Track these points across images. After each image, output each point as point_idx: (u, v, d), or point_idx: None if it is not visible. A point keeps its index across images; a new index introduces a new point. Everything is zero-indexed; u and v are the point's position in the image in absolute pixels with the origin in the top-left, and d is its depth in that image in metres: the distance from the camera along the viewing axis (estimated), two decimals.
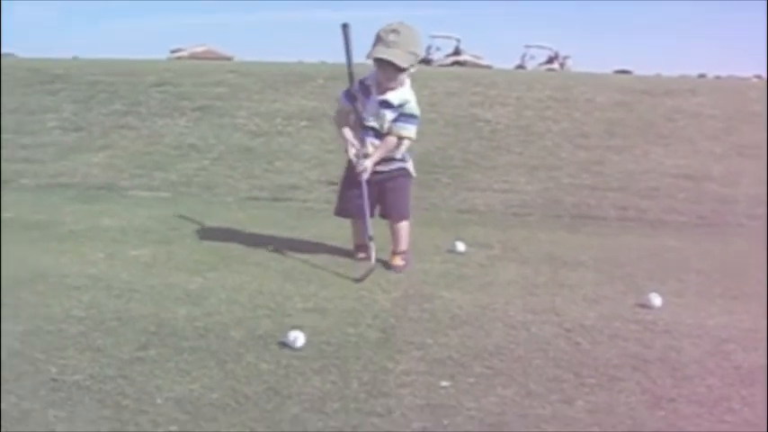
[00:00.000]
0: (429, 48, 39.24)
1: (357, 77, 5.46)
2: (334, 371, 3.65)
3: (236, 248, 6.01)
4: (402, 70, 5.29)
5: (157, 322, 4.23)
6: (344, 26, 5.46)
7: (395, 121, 5.41)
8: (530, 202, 8.31)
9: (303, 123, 10.81)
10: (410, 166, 5.68)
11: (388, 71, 5.28)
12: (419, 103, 5.45)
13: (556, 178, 9.09)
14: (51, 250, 5.85)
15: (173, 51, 41.52)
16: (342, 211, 5.77)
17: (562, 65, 40.59)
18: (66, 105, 12.16)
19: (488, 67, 32.83)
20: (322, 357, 3.80)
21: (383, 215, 5.66)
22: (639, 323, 4.47)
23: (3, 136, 10.88)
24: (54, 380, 3.48)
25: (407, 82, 5.46)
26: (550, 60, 41.11)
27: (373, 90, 5.43)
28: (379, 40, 5.25)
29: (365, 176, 5.41)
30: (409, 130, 5.46)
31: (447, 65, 34.61)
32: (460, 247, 6.08)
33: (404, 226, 5.68)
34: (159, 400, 3.28)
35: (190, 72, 14.24)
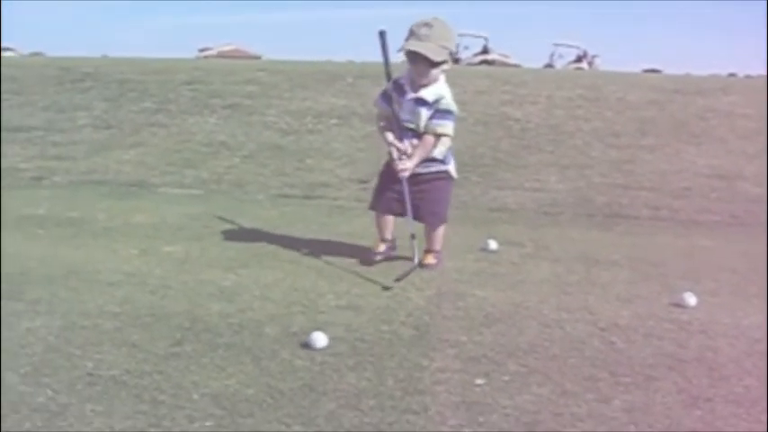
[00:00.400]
0: (457, 46, 39.24)
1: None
2: (369, 368, 3.64)
3: (268, 246, 6.01)
4: (435, 65, 5.18)
5: (192, 318, 4.24)
6: (381, 33, 5.38)
7: (431, 118, 5.27)
8: (561, 201, 8.28)
9: (333, 121, 10.83)
10: (452, 167, 5.57)
11: (420, 66, 5.19)
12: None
13: (587, 177, 9.05)
14: (85, 246, 5.89)
15: (201, 50, 41.78)
16: (376, 207, 5.66)
17: (590, 63, 40.46)
18: (97, 103, 12.24)
19: (516, 65, 32.76)
20: (356, 354, 3.80)
21: (417, 218, 5.45)
22: (674, 322, 4.43)
23: (33, 133, 10.98)
24: (90, 374, 3.49)
25: (442, 78, 5.34)
26: (579, 59, 41.00)
27: (407, 89, 5.33)
28: (411, 34, 5.19)
29: (406, 175, 5.30)
30: (445, 127, 5.31)
31: (475, 63, 34.57)
32: (493, 245, 6.06)
33: (437, 231, 5.61)
34: (195, 396, 3.29)
35: (219, 70, 14.30)
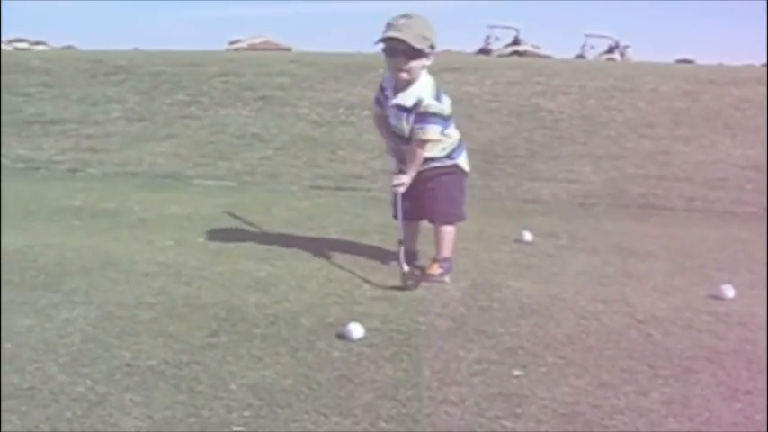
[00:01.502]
0: (488, 38, 39.11)
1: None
2: (406, 359, 3.64)
3: (302, 237, 6.03)
4: (415, 55, 4.75)
5: (228, 309, 4.25)
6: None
7: (414, 123, 4.90)
8: (595, 192, 8.24)
9: (365, 113, 10.80)
10: (461, 160, 5.18)
11: (400, 58, 4.76)
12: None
13: (621, 168, 9.00)
14: (121, 238, 5.92)
15: (231, 43, 41.82)
16: (395, 215, 5.15)
17: (622, 54, 40.13)
18: (130, 96, 12.29)
19: (548, 56, 32.58)
20: (393, 345, 3.79)
21: (422, 218, 5.23)
22: (712, 315, 4.39)
23: (67, 126, 11.06)
24: (128, 365, 3.51)
25: (423, 75, 4.91)
26: (611, 50, 40.67)
27: (389, 93, 5.00)
28: (388, 27, 4.78)
29: (401, 190, 4.95)
30: (427, 132, 4.89)
31: (506, 55, 34.41)
32: (527, 236, 6.04)
33: (447, 231, 5.13)
34: (233, 386, 3.30)
35: (251, 62, 14.32)
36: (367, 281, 4.88)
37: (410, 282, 4.76)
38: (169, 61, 14.20)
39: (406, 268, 4.84)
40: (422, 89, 4.88)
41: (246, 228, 6.36)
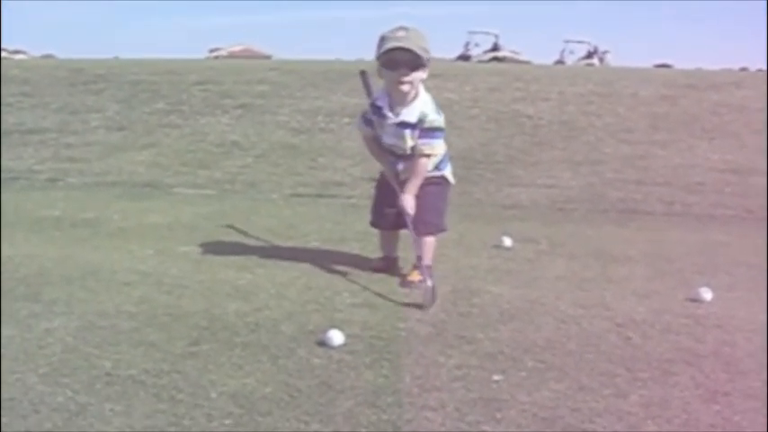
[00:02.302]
0: (468, 44, 39.30)
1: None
2: (386, 365, 3.64)
3: (282, 245, 6.04)
4: (416, 66, 4.79)
5: (209, 318, 4.25)
6: (363, 73, 5.29)
7: (419, 138, 4.92)
8: (574, 198, 8.28)
9: (345, 120, 10.83)
10: (447, 172, 5.24)
11: (402, 71, 4.76)
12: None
13: (600, 173, 9.06)
14: (101, 247, 5.90)
15: (211, 51, 41.86)
16: (378, 224, 5.37)
17: (601, 59, 40.45)
18: (110, 105, 12.31)
19: (527, 62, 32.75)
20: (373, 352, 3.80)
21: (405, 226, 5.04)
22: (691, 317, 4.42)
23: (47, 135, 11.04)
24: (109, 374, 3.50)
25: (422, 91, 4.99)
26: (589, 55, 41.00)
27: (387, 112, 4.96)
28: (385, 40, 4.79)
29: (409, 211, 4.90)
30: (433, 147, 4.97)
31: (486, 60, 34.58)
32: (507, 242, 6.05)
33: (430, 241, 5.10)
34: (213, 395, 3.30)
35: (231, 70, 14.35)
36: (347, 288, 4.87)
37: (426, 300, 4.55)
38: (149, 70, 14.20)
39: (430, 283, 4.64)
40: (425, 104, 4.94)
41: (227, 236, 6.35)
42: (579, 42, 41.99)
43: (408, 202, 4.91)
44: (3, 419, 3.02)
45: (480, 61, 33.76)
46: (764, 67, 34.27)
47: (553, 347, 3.91)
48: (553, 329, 4.18)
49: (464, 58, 37.19)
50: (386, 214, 5.19)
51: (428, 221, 5.07)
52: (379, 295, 4.73)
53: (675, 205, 8.08)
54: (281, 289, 4.81)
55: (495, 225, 6.87)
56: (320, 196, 8.35)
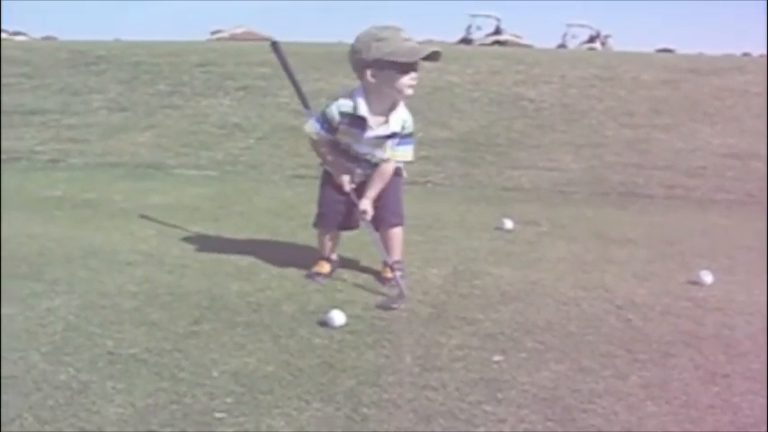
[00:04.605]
0: (469, 27, 39.18)
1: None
2: (388, 345, 3.65)
3: (284, 225, 6.05)
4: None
5: (210, 297, 4.26)
6: (274, 45, 5.03)
7: (397, 145, 4.61)
8: (575, 180, 8.29)
9: None
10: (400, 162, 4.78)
11: (413, 74, 4.42)
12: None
13: (601, 156, 9.07)
14: (103, 228, 5.92)
15: (213, 33, 41.73)
16: (322, 223, 4.86)
17: (603, 44, 40.28)
18: (111, 86, 12.30)
19: (529, 46, 32.67)
20: (374, 332, 3.81)
21: (356, 225, 4.82)
22: (691, 300, 4.43)
23: (48, 116, 11.05)
24: (111, 353, 3.51)
25: None
26: (592, 39, 40.80)
27: (370, 121, 4.52)
28: (388, 41, 4.35)
29: (368, 218, 4.61)
30: (407, 153, 4.67)
31: (487, 44, 34.48)
32: (508, 224, 6.06)
33: (397, 232, 4.77)
34: (215, 373, 3.31)
35: (232, 52, 14.33)
36: (348, 269, 4.89)
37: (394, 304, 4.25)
38: (150, 51, 14.19)
39: (401, 279, 4.46)
40: (404, 110, 4.60)
41: (228, 217, 6.37)
42: (581, 26, 41.79)
43: (368, 206, 4.60)
44: (4, 397, 3.03)
45: (482, 45, 33.61)
46: (766, 53, 34.08)
47: (553, 329, 3.92)
48: (554, 311, 4.19)
49: (466, 41, 37.03)
50: (335, 212, 4.77)
51: (395, 212, 4.76)
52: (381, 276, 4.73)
53: (676, 189, 8.09)
54: (283, 269, 4.83)
55: (496, 207, 6.89)
56: None
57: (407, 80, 4.40)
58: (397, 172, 4.76)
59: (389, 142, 4.59)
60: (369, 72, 4.40)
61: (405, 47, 4.36)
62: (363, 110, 4.49)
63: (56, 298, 4.21)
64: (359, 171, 4.69)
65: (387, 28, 4.42)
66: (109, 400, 3.04)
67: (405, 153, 4.67)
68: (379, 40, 4.36)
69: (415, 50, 4.38)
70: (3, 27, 35.75)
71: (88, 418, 2.90)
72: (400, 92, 4.45)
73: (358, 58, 4.43)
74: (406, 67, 4.37)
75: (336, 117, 4.53)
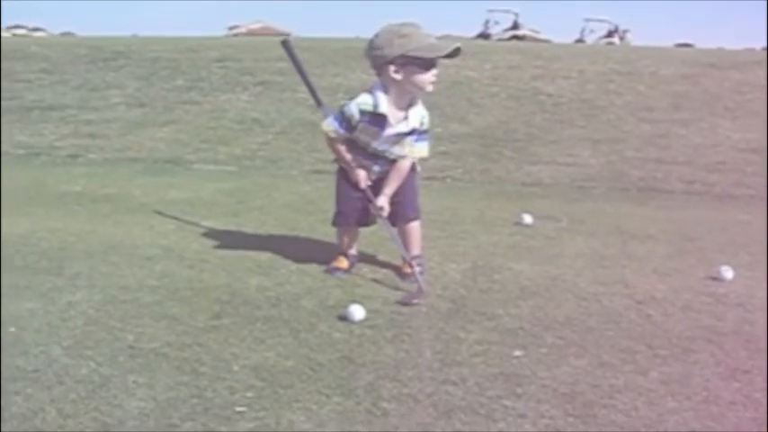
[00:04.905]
0: (487, 22, 39.10)
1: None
2: (407, 340, 3.65)
3: (303, 221, 6.06)
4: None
5: (230, 292, 4.28)
6: (285, 43, 5.07)
7: (415, 141, 4.60)
8: (594, 176, 8.27)
9: None
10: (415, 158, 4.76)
11: (434, 70, 4.41)
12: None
13: (620, 151, 9.03)
14: (122, 222, 5.95)
15: (230, 28, 41.80)
16: (341, 221, 4.84)
17: (622, 38, 40.12)
18: (130, 82, 12.34)
19: (547, 41, 32.55)
20: (394, 327, 3.81)
21: (372, 222, 4.83)
22: (711, 296, 4.40)
23: (67, 112, 11.10)
24: (132, 347, 3.52)
25: None
26: (610, 34, 40.63)
27: (391, 119, 4.49)
28: (410, 37, 4.34)
29: (384, 215, 4.60)
30: (425, 149, 4.68)
31: (505, 39, 34.38)
32: (527, 219, 6.05)
33: (415, 227, 4.75)
34: (236, 368, 3.32)
35: (250, 48, 14.34)
36: (367, 263, 4.90)
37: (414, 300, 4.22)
38: (168, 47, 14.23)
39: (420, 274, 4.45)
40: (421, 106, 4.58)
41: (247, 212, 6.39)
42: (600, 21, 41.62)
43: (385, 203, 4.59)
44: (28, 390, 3.05)
45: (500, 39, 33.51)
46: None
47: (573, 324, 3.91)
48: (573, 306, 4.18)
49: (484, 36, 37.00)
50: (354, 209, 4.74)
51: (412, 207, 4.75)
52: (400, 271, 4.73)
53: (696, 184, 8.05)
54: (302, 264, 4.83)
55: (515, 202, 6.88)
56: None
57: (429, 76, 4.38)
58: (412, 167, 4.74)
59: (408, 139, 4.58)
60: (392, 68, 4.37)
61: (428, 43, 4.36)
62: (384, 107, 4.45)
63: (77, 292, 4.23)
64: (376, 168, 4.68)
65: (406, 24, 4.41)
66: (130, 394, 3.06)
67: (422, 149, 4.67)
68: (402, 36, 4.34)
69: (439, 46, 4.39)
70: (22, 23, 36.01)
71: (110, 411, 2.91)
72: (422, 88, 4.44)
73: (379, 55, 4.41)
74: (429, 64, 4.35)
75: (356, 115, 4.49)
